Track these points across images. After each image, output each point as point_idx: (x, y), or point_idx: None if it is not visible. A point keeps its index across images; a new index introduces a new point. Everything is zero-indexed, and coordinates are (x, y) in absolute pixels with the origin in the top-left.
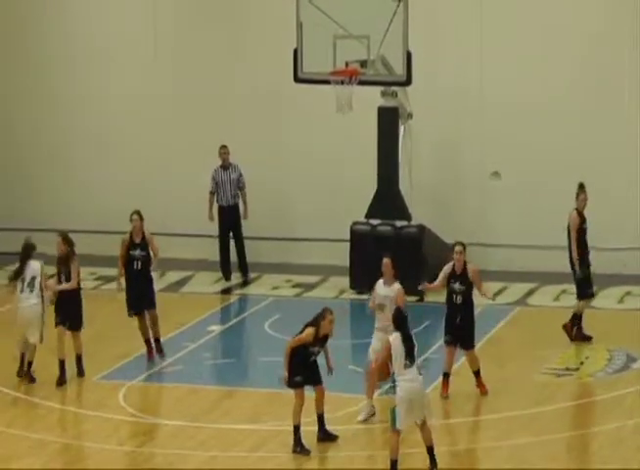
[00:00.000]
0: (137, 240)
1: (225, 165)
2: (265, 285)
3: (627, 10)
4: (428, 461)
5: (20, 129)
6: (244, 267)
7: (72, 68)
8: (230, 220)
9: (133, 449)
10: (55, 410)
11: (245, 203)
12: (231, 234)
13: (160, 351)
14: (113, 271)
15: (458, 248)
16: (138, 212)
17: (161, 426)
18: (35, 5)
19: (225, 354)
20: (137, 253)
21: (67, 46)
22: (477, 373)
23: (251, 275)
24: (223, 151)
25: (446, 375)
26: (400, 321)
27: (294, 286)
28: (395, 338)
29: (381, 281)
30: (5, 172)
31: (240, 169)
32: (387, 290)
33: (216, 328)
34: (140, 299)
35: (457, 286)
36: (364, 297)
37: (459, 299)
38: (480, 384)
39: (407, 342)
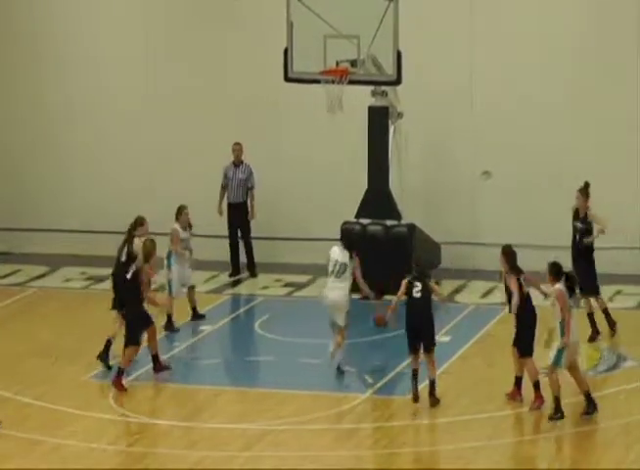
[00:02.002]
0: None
1: (236, 163)
2: (255, 284)
3: (623, 8)
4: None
5: (15, 130)
6: (251, 265)
7: (65, 68)
8: (237, 218)
9: (123, 449)
10: (45, 410)
11: (252, 203)
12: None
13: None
14: (103, 271)
15: None
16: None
17: (152, 426)
18: (24, 7)
19: (215, 354)
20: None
21: (61, 47)
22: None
23: (243, 274)
24: (236, 147)
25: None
26: (560, 273)
27: (284, 285)
28: (562, 289)
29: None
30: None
31: (251, 169)
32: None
33: (207, 328)
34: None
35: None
36: (354, 296)
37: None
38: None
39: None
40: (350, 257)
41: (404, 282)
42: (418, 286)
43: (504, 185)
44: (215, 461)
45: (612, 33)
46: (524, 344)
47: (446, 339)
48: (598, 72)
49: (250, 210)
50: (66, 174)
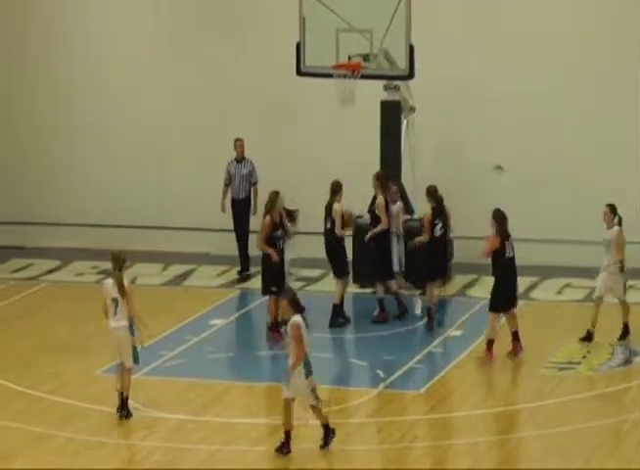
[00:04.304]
0: (278, 220)
1: (238, 159)
2: None
3: (628, 6)
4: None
5: (29, 126)
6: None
7: (77, 66)
8: (241, 213)
9: (135, 443)
10: (57, 404)
11: (255, 198)
12: None
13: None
14: None
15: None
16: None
17: (163, 420)
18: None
19: (227, 348)
20: (279, 233)
21: (73, 44)
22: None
23: (253, 269)
24: (238, 143)
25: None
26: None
27: (296, 280)
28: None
29: None
30: (8, 167)
31: (253, 164)
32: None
33: (218, 322)
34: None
35: None
36: (366, 291)
37: None
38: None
39: None
40: None
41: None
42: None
43: (517, 179)
44: (227, 456)
45: (617, 31)
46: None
47: (458, 333)
48: (608, 65)
49: (252, 205)
50: (72, 169)
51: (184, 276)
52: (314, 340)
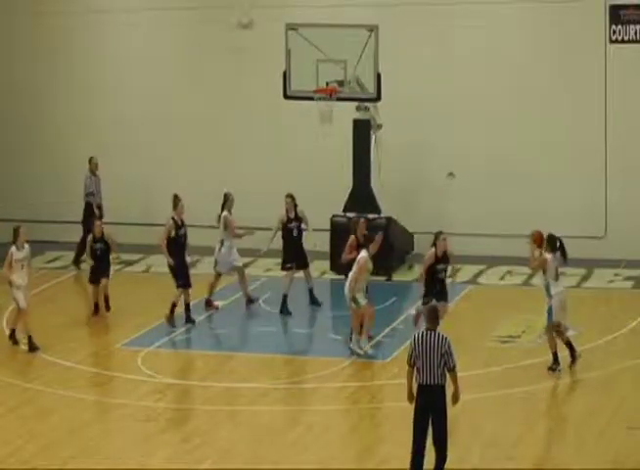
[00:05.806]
0: (292, 216)
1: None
2: (260, 267)
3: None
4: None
5: (24, 125)
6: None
7: (95, 96)
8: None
9: (150, 405)
10: (85, 372)
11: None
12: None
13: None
14: (132, 257)
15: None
16: (291, 196)
17: (174, 385)
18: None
19: (227, 325)
20: (293, 225)
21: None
22: None
23: (249, 259)
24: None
25: None
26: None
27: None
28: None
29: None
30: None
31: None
32: None
33: (220, 303)
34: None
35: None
36: (342, 277)
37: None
38: None
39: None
40: None
41: None
42: None
43: (466, 184)
44: (227, 415)
45: (551, 52)
46: None
47: (414, 313)
48: (542, 87)
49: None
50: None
51: (191, 265)
52: (299, 319)
